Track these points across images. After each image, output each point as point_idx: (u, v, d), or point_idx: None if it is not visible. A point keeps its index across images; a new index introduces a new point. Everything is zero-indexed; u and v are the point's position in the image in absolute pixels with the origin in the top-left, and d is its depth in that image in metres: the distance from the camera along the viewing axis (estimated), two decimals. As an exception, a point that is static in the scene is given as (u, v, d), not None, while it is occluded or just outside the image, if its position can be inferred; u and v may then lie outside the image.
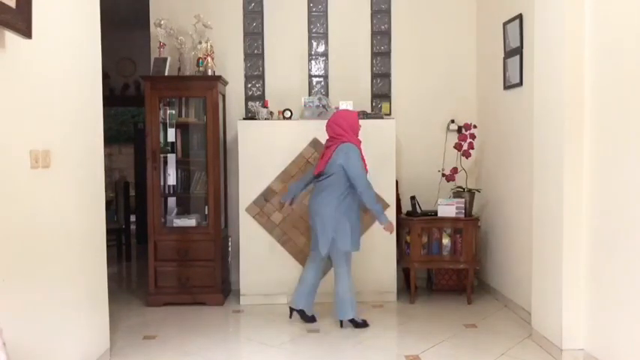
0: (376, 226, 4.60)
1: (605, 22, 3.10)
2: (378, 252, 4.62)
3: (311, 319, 4.09)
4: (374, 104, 5.18)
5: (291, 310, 4.13)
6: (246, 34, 5.15)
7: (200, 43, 4.73)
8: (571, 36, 3.27)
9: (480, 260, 4.88)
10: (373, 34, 5.20)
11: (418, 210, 4.70)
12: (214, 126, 4.67)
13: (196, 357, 3.54)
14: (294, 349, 3.65)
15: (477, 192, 4.83)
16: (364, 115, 4.69)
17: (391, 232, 4.11)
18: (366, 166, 3.89)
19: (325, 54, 5.19)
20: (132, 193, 7.30)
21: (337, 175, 3.82)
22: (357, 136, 3.94)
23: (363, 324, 3.99)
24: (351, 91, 5.06)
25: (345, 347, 3.69)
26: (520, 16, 4.19)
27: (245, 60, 5.16)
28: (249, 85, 5.18)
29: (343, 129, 3.87)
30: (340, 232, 3.83)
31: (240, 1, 5.13)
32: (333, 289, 4.01)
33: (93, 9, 3.37)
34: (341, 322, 3.99)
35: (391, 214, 4.62)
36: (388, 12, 5.18)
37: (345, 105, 4.61)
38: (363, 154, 3.91)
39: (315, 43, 5.19)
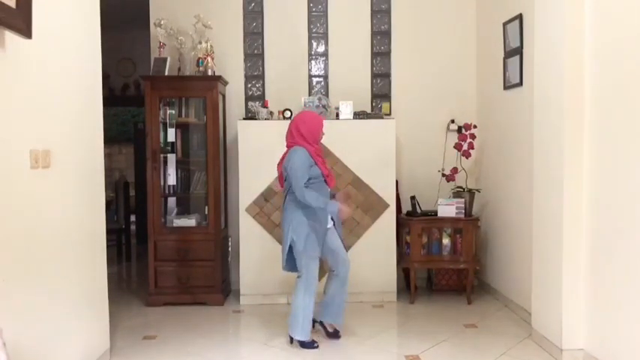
0: (375, 227, 4.61)
1: (605, 22, 3.10)
2: (378, 252, 4.62)
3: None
4: (374, 104, 5.18)
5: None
6: (246, 34, 5.15)
7: (200, 43, 4.73)
8: (571, 36, 3.27)
9: (480, 260, 4.88)
10: (373, 34, 5.20)
11: (418, 210, 4.70)
12: (214, 126, 4.67)
13: (196, 357, 3.54)
14: (294, 349, 3.64)
15: (477, 192, 4.83)
16: (364, 115, 4.70)
17: (345, 217, 3.68)
18: (325, 170, 3.62)
19: (325, 54, 5.19)
20: (132, 193, 7.30)
21: (288, 179, 3.62)
22: (313, 142, 3.61)
23: (310, 344, 3.64)
24: (351, 91, 5.05)
25: (345, 347, 3.68)
26: (520, 16, 4.19)
27: (245, 60, 5.16)
28: (249, 85, 5.17)
29: (292, 135, 3.62)
30: (297, 232, 3.57)
31: (240, 1, 5.13)
32: (323, 290, 3.82)
33: (93, 9, 3.37)
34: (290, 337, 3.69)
35: (391, 214, 4.63)
36: (388, 12, 5.18)
37: (345, 105, 4.61)
38: (318, 157, 3.63)
39: (315, 43, 5.19)
